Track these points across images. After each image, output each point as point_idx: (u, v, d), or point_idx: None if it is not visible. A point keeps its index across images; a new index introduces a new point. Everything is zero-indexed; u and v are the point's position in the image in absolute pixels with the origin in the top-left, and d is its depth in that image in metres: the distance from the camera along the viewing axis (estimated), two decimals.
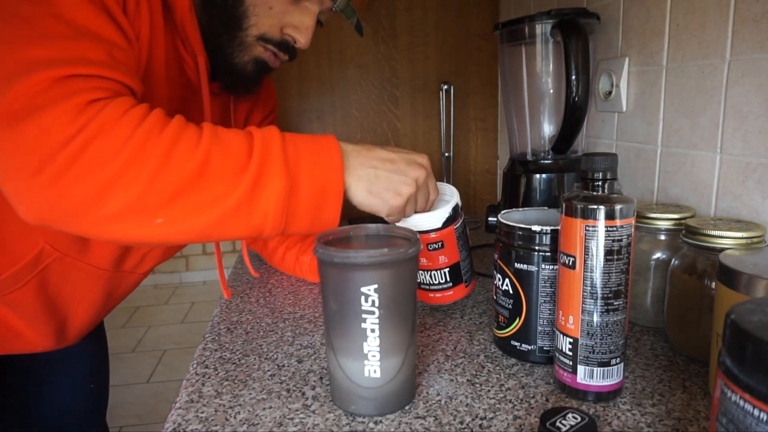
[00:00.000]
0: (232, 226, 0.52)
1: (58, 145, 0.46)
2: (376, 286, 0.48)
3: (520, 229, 0.58)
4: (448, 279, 0.74)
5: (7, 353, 0.77)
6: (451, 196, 0.72)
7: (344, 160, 0.56)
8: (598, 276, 0.49)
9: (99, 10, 0.53)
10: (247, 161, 0.51)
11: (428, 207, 0.65)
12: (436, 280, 0.73)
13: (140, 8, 0.59)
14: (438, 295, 0.74)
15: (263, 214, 0.52)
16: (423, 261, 0.72)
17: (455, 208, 0.70)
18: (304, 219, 0.55)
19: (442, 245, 0.71)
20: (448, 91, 1.36)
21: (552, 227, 0.57)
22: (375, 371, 0.50)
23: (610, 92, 0.90)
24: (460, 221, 0.72)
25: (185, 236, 0.52)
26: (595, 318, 0.50)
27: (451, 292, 0.74)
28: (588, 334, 0.50)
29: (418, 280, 0.74)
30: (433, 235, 0.69)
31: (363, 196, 0.58)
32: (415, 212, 0.64)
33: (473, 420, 0.50)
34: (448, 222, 0.69)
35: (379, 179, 0.58)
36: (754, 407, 0.28)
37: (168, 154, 0.49)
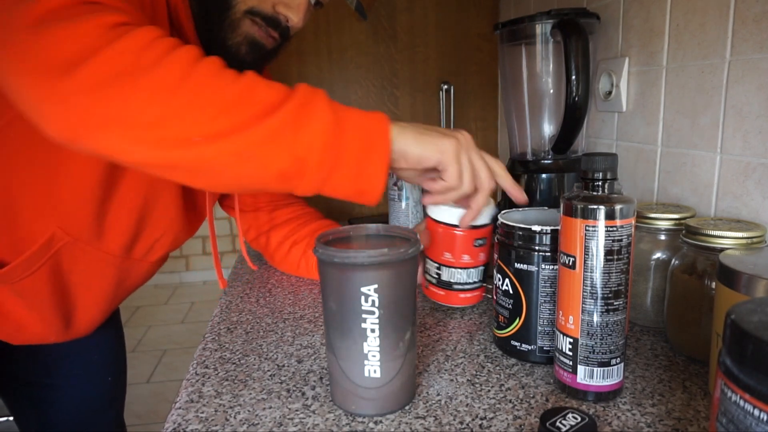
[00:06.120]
0: (271, 152, 0.49)
1: (89, 49, 0.45)
2: (376, 286, 0.48)
3: (520, 229, 0.58)
4: (481, 278, 0.75)
5: (14, 344, 0.77)
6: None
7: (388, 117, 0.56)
8: (598, 276, 0.49)
9: None
10: (290, 94, 0.50)
11: (489, 181, 0.60)
12: (472, 278, 0.74)
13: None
14: (468, 295, 0.74)
15: (308, 143, 0.50)
16: (465, 258, 0.72)
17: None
18: (349, 165, 0.51)
19: (485, 242, 0.72)
20: (448, 91, 1.36)
21: (552, 227, 0.57)
22: (375, 371, 0.50)
23: (610, 92, 0.90)
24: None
25: (221, 158, 0.49)
26: (595, 318, 0.50)
27: (478, 293, 0.75)
28: (588, 334, 0.50)
29: (452, 280, 0.74)
30: (481, 230, 0.71)
31: (411, 139, 0.55)
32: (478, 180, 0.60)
33: (473, 420, 0.50)
34: (493, 219, 0.71)
35: (423, 127, 0.56)
36: (754, 407, 0.28)
37: (213, 75, 0.48)
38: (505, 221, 0.61)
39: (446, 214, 0.72)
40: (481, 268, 0.74)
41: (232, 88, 0.48)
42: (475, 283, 0.74)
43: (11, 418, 0.94)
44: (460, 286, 0.73)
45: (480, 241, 0.72)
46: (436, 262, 0.74)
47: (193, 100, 0.47)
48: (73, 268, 0.72)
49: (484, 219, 0.71)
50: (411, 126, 0.56)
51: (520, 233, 0.59)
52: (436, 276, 0.74)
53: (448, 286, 0.74)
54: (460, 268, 0.72)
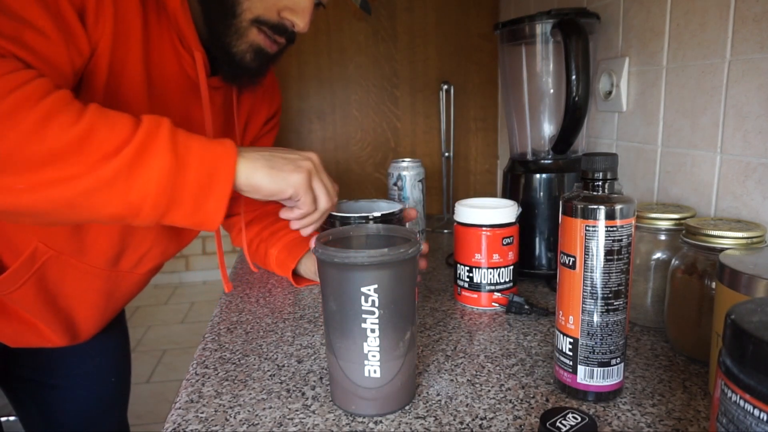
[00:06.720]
0: (103, 200, 0.48)
1: None
2: (376, 286, 0.48)
3: (351, 218, 0.66)
4: (512, 277, 0.76)
5: (26, 346, 0.77)
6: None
7: (237, 149, 0.55)
8: (598, 276, 0.49)
9: (40, 5, 0.52)
10: (130, 137, 0.49)
11: (334, 197, 0.64)
12: (503, 278, 0.75)
13: (100, 21, 0.58)
14: (500, 295, 0.75)
15: (142, 192, 0.49)
16: (495, 258, 0.73)
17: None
18: (186, 204, 0.52)
19: (512, 241, 0.74)
20: (448, 91, 1.36)
21: (381, 212, 0.66)
22: (375, 371, 0.50)
23: (610, 92, 0.90)
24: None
25: (50, 206, 0.48)
26: (595, 318, 0.50)
27: (509, 294, 0.76)
28: (588, 334, 0.50)
29: (484, 281, 0.75)
30: (508, 228, 0.74)
31: (262, 174, 0.55)
32: (323, 203, 0.62)
33: (473, 420, 0.50)
34: (517, 219, 0.74)
35: (274, 158, 0.57)
36: (754, 407, 0.28)
37: (44, 121, 0.46)
38: (340, 213, 0.66)
39: (472, 215, 0.73)
40: (511, 267, 0.75)
41: (67, 133, 0.47)
42: (506, 283, 0.75)
43: (16, 418, 0.94)
44: (492, 287, 0.74)
45: (508, 240, 0.74)
46: (466, 266, 0.75)
47: (20, 147, 0.45)
48: (61, 281, 0.72)
49: (509, 218, 0.73)
50: (261, 157, 0.56)
51: (354, 222, 0.65)
52: (468, 279, 0.75)
53: (480, 288, 0.75)
54: (491, 268, 0.74)
